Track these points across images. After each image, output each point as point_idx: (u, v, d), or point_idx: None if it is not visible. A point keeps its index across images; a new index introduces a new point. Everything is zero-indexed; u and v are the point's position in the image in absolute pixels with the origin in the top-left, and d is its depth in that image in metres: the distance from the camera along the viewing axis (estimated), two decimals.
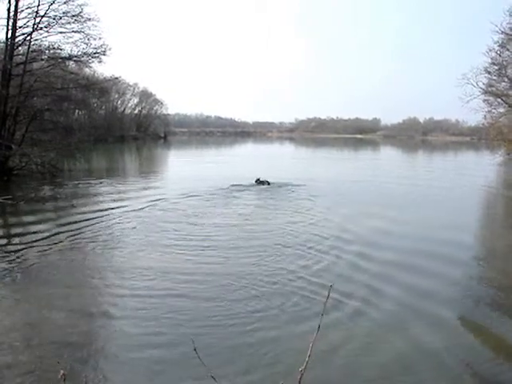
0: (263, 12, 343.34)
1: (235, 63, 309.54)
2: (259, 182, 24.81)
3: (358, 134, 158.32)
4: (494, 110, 38.96)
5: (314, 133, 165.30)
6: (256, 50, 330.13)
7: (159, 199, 19.97)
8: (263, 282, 9.67)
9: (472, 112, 38.67)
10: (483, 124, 42.49)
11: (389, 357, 6.80)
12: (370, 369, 6.51)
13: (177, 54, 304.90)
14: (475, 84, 37.97)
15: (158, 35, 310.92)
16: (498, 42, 35.84)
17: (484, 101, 38.55)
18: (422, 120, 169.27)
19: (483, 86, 38.09)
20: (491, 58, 36.86)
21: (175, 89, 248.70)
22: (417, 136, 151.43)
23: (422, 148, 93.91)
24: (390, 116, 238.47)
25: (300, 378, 2.28)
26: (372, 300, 8.83)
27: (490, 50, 36.44)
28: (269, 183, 24.74)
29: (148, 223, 15.32)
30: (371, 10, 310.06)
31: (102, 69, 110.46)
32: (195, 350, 2.68)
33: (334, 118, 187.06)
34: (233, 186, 23.91)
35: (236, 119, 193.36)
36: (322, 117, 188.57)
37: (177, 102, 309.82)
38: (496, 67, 37.01)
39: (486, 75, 37.94)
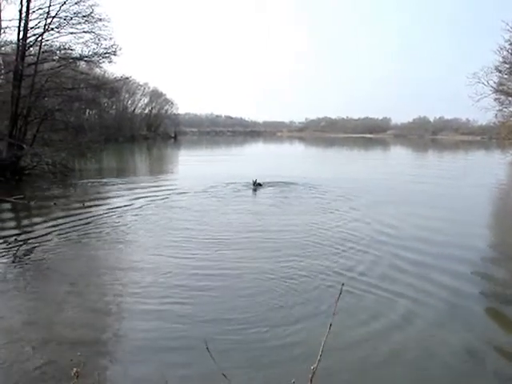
0: (262, 12, 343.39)
1: (243, 62, 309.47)
2: (256, 184, 23.60)
3: (367, 134, 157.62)
4: (505, 109, 38.56)
5: (323, 132, 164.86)
6: (264, 49, 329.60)
7: (171, 198, 20.15)
8: (283, 280, 9.69)
9: (483, 111, 38.39)
10: (494, 123, 42.14)
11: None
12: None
13: (187, 53, 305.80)
14: (486, 83, 37.66)
15: (167, 35, 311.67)
16: (509, 40, 35.52)
17: (495, 99, 38.19)
18: (432, 119, 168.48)
19: (494, 85, 37.79)
20: (502, 57, 36.48)
21: (185, 88, 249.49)
22: (427, 135, 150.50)
23: (433, 147, 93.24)
24: (401, 115, 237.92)
25: (312, 376, 2.27)
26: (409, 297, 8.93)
27: (501, 49, 36.12)
28: (260, 184, 23.77)
29: (160, 221, 15.45)
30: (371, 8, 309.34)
31: (113, 69, 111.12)
32: (207, 348, 2.68)
33: (344, 117, 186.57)
34: (245, 184, 23.90)
35: (246, 119, 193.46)
36: (332, 116, 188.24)
37: (187, 101, 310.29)
38: (507, 66, 36.64)
39: (497, 74, 37.62)
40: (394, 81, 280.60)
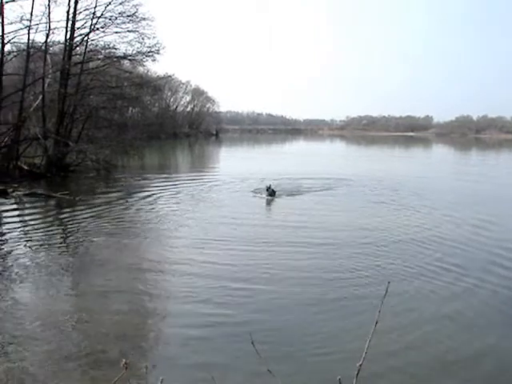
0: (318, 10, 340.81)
1: (283, 61, 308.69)
2: (271, 191, 19.67)
3: (409, 132, 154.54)
4: None
5: (364, 130, 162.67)
6: (304, 49, 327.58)
7: (211, 194, 20.57)
8: (334, 277, 9.72)
9: None
10: None
11: None
12: None
13: (228, 52, 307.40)
14: None
15: (210, 33, 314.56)
16: None
17: None
18: (475, 117, 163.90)
19: None
20: None
21: (227, 87, 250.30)
22: (470, 134, 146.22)
23: (477, 146, 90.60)
24: (443, 113, 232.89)
25: (357, 373, 2.26)
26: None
27: None
28: (274, 192, 19.79)
29: (203, 218, 15.61)
30: None
31: (156, 67, 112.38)
32: (252, 343, 2.69)
33: (386, 115, 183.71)
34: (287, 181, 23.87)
35: (287, 117, 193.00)
36: (374, 114, 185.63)
37: (228, 99, 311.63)
38: None
39: None
40: (436, 78, 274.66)
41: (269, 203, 18.99)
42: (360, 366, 2.29)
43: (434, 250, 11.96)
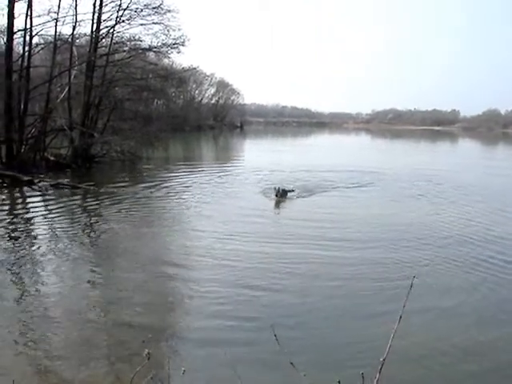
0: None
1: (309, 53, 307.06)
2: (282, 191, 17.94)
3: (435, 126, 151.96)
4: None
5: (390, 124, 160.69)
6: (331, 42, 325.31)
7: (236, 187, 20.55)
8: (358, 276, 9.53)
9: None
10: None
11: None
12: None
13: (253, 44, 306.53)
14: None
15: (234, 26, 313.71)
16: None
17: None
18: (503, 112, 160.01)
19: None
20: None
21: (251, 79, 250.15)
22: (497, 128, 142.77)
23: (505, 141, 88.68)
24: (470, 108, 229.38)
25: (380, 368, 2.27)
26: None
27: None
28: (286, 193, 18.20)
29: (224, 211, 15.60)
30: None
31: (180, 59, 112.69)
32: (275, 336, 2.69)
33: (412, 109, 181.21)
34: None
35: (312, 110, 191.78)
36: (399, 108, 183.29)
37: (253, 91, 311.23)
38: None
39: None
40: (463, 73, 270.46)
41: (278, 205, 17.32)
42: (383, 360, 2.30)
43: (471, 246, 11.84)
